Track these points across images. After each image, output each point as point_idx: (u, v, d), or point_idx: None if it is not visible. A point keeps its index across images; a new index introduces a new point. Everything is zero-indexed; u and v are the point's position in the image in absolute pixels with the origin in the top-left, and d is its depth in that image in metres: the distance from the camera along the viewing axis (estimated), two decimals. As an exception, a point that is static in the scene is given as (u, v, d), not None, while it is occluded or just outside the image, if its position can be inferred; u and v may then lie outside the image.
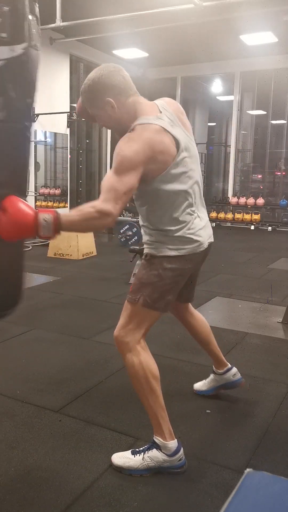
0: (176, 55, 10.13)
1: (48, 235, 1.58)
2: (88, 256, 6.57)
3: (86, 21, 6.80)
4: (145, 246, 1.95)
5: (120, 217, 10.26)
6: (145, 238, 1.96)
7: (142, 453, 1.90)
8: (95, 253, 6.71)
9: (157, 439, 1.90)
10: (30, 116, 1.62)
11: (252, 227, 10.50)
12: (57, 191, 9.43)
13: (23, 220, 1.52)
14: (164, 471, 1.89)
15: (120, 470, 1.90)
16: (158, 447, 1.89)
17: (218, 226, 10.83)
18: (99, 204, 1.65)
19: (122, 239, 7.37)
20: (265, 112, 11.24)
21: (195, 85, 12.34)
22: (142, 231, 2.01)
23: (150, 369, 1.88)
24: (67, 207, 9.60)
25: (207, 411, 2.42)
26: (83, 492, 1.79)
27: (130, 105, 1.80)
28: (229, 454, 2.05)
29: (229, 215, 10.82)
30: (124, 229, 7.39)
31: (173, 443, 1.89)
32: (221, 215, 10.91)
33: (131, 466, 1.88)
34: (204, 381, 2.60)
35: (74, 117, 9.00)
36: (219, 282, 5.22)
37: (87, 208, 1.66)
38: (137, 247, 5.29)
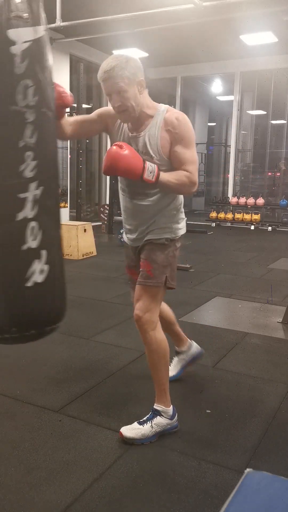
0: (176, 55, 10.13)
1: (149, 178, 1.92)
2: (88, 256, 6.57)
3: (86, 21, 6.80)
4: (157, 232, 2.13)
5: (120, 217, 10.27)
6: (156, 224, 2.13)
7: (149, 422, 2.13)
8: (95, 253, 6.71)
9: (159, 407, 2.17)
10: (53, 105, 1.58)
11: (252, 227, 10.50)
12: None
13: (138, 159, 1.91)
14: (166, 432, 2.16)
15: (132, 442, 2.08)
16: (159, 413, 2.15)
17: (218, 226, 10.83)
18: (192, 175, 1.99)
19: (122, 239, 7.36)
20: (265, 112, 11.24)
21: (195, 85, 12.35)
22: (150, 219, 2.13)
23: (167, 345, 2.17)
24: (67, 207, 9.61)
25: (207, 411, 2.42)
26: (83, 492, 1.79)
27: (146, 93, 2.03)
28: (229, 454, 2.05)
29: (229, 215, 10.82)
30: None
31: (171, 408, 2.20)
32: (221, 215, 10.91)
33: (144, 434, 2.10)
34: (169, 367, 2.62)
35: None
36: (219, 282, 5.22)
37: (183, 175, 1.98)
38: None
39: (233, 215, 10.76)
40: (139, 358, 3.05)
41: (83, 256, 6.47)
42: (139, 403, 2.48)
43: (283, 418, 2.37)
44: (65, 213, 9.47)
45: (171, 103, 12.14)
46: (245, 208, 10.73)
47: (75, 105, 9.14)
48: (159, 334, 2.14)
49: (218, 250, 7.56)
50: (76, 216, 8.68)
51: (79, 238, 6.40)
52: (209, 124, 14.87)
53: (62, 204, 9.42)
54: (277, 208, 10.82)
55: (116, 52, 9.54)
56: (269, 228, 10.33)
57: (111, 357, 3.07)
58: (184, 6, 6.12)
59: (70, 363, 2.98)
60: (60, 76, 8.97)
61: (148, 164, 1.93)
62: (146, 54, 9.64)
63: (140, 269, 2.15)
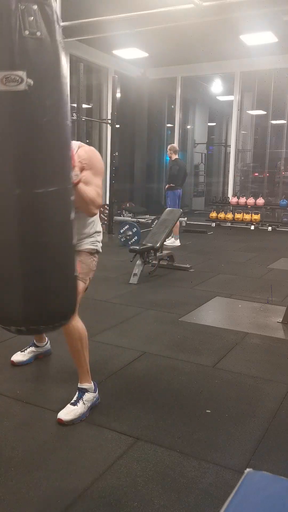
0: (176, 55, 10.13)
1: (74, 180, 1.98)
2: (88, 256, 6.56)
3: (86, 21, 6.80)
4: (85, 244, 2.47)
5: (120, 217, 10.28)
6: (86, 238, 2.46)
7: (80, 400, 2.34)
8: (95, 253, 6.70)
9: (85, 385, 2.40)
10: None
11: (252, 227, 10.51)
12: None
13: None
14: (94, 405, 2.39)
15: (73, 422, 2.24)
16: (86, 390, 2.39)
17: (218, 226, 10.83)
18: (99, 197, 2.24)
19: (122, 239, 7.37)
20: (265, 112, 11.24)
21: (195, 85, 12.35)
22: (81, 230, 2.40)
23: (85, 330, 2.43)
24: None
25: (207, 411, 2.42)
26: (83, 492, 1.79)
27: None
28: (229, 454, 2.05)
29: (229, 215, 10.82)
30: (124, 229, 7.39)
31: (92, 383, 2.44)
32: (221, 215, 10.91)
33: (81, 412, 2.29)
34: (22, 352, 2.95)
35: (74, 117, 9.00)
36: (219, 282, 5.22)
37: (96, 192, 2.22)
38: (137, 247, 5.30)
39: (233, 215, 10.76)
40: (139, 358, 3.05)
41: (83, 256, 6.46)
42: (139, 403, 2.48)
43: (283, 418, 2.37)
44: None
45: (171, 103, 12.16)
46: (245, 208, 10.73)
47: (75, 105, 9.14)
48: (79, 323, 2.40)
49: (218, 250, 7.56)
50: (76, 216, 8.66)
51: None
52: (209, 124, 14.87)
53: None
54: (277, 208, 10.82)
55: (116, 52, 9.57)
56: (269, 228, 10.33)
57: (111, 357, 3.07)
58: (184, 6, 6.12)
59: (70, 363, 2.97)
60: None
61: (76, 168, 2.09)
62: (146, 54, 9.64)
63: None
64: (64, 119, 1.58)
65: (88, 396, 2.37)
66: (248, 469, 1.05)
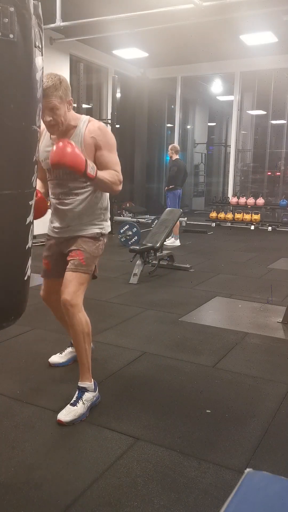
0: (176, 55, 10.13)
1: (91, 173, 2.13)
2: (88, 256, 6.56)
3: (86, 21, 6.80)
4: (87, 227, 2.41)
5: (120, 217, 10.28)
6: (85, 221, 2.40)
7: (80, 400, 2.31)
8: (95, 253, 6.70)
9: (84, 384, 2.37)
10: None
11: (252, 227, 10.51)
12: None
13: (81, 156, 2.09)
14: (94, 405, 2.37)
15: (73, 423, 2.23)
16: (86, 390, 2.36)
17: (218, 226, 10.83)
18: (119, 174, 2.29)
19: (122, 239, 7.37)
20: (265, 112, 11.24)
21: (195, 85, 12.35)
22: (79, 216, 2.39)
23: (90, 325, 2.40)
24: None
25: (207, 411, 2.42)
26: (83, 492, 1.79)
27: (72, 109, 2.32)
28: (229, 454, 2.05)
29: (229, 215, 10.82)
30: (124, 229, 7.39)
31: (93, 382, 2.41)
32: (221, 215, 10.91)
33: (81, 413, 2.27)
34: (59, 354, 2.92)
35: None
36: (219, 282, 5.22)
37: (114, 173, 2.27)
38: (137, 247, 5.30)
39: (233, 215, 10.76)
40: (139, 358, 3.05)
41: (83, 256, 6.46)
42: (139, 403, 2.48)
43: (283, 418, 2.37)
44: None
45: (171, 103, 12.16)
46: (245, 208, 10.73)
47: (75, 105, 9.14)
48: (84, 316, 2.37)
49: (218, 250, 7.56)
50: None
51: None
52: (209, 124, 14.87)
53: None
54: (277, 208, 10.82)
55: (116, 52, 9.57)
56: (269, 228, 10.33)
57: (111, 357, 3.07)
58: (184, 6, 6.12)
59: (70, 363, 2.97)
60: (60, 76, 8.96)
61: (88, 161, 2.14)
62: (146, 54, 9.63)
63: (71, 259, 2.37)
64: (30, 124, 1.56)
65: (87, 396, 2.35)
66: (248, 469, 1.05)
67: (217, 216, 10.96)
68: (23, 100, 1.52)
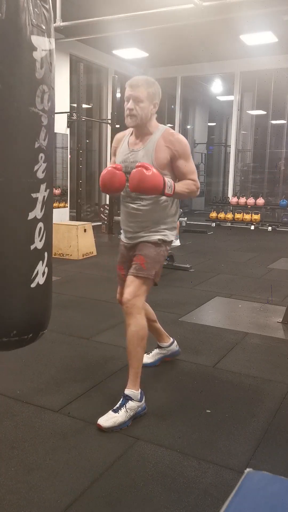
0: (176, 55, 10.13)
1: (168, 193, 2.23)
2: (88, 256, 6.57)
3: (86, 21, 6.80)
4: (151, 234, 2.43)
5: (119, 217, 10.27)
6: (152, 227, 2.42)
7: (123, 408, 2.26)
8: (95, 253, 6.71)
9: (130, 391, 2.31)
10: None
11: (252, 227, 10.50)
12: (57, 191, 9.44)
13: (159, 178, 2.19)
14: (138, 416, 2.30)
15: (112, 430, 2.19)
16: (130, 398, 2.29)
17: (218, 226, 10.83)
18: (196, 182, 2.38)
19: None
20: (265, 112, 11.24)
21: (195, 85, 12.35)
22: (147, 221, 2.42)
23: (146, 331, 2.36)
24: (67, 207, 9.61)
25: (207, 411, 2.42)
26: (83, 492, 1.79)
27: (155, 116, 2.42)
28: (229, 454, 2.05)
29: (229, 215, 10.82)
30: (124, 229, 7.38)
31: (139, 391, 2.34)
32: (221, 215, 10.91)
33: (121, 421, 2.22)
34: (147, 355, 2.87)
35: (74, 117, 9.00)
36: (219, 282, 5.22)
37: (190, 183, 2.36)
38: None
39: (233, 215, 10.76)
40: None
41: (83, 256, 6.47)
42: (139, 403, 2.48)
43: (283, 418, 2.37)
44: (65, 213, 9.47)
45: (171, 103, 12.15)
46: (245, 208, 10.73)
47: (75, 105, 9.14)
48: (142, 320, 2.34)
49: (218, 250, 7.56)
50: (76, 216, 8.68)
51: (79, 238, 6.40)
52: (209, 124, 14.87)
53: (62, 204, 9.42)
54: (277, 208, 10.82)
55: (116, 52, 9.57)
56: (269, 228, 10.33)
57: (111, 357, 3.07)
58: (184, 6, 6.12)
59: (70, 363, 2.98)
60: (60, 76, 8.97)
61: (167, 180, 2.23)
62: (146, 54, 9.63)
63: (133, 263, 2.41)
64: (25, 106, 1.44)
65: (131, 405, 2.28)
66: (248, 469, 1.05)
67: (217, 216, 10.96)
68: (15, 78, 1.41)
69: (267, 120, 11.10)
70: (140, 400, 2.32)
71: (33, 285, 1.49)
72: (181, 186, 2.32)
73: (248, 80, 10.95)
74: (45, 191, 1.54)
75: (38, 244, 1.50)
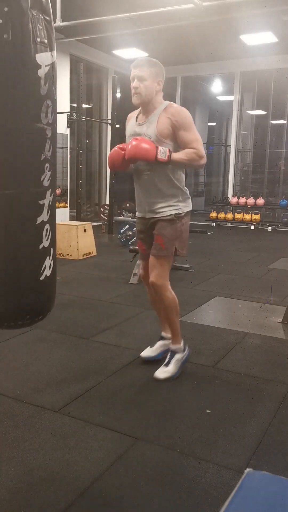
0: (176, 55, 10.12)
1: (162, 157, 2.41)
2: (88, 256, 6.57)
3: (86, 21, 6.79)
4: (164, 210, 2.60)
5: (120, 217, 10.28)
6: (165, 201, 2.60)
7: (173, 360, 2.74)
8: (95, 253, 6.71)
9: (175, 346, 2.79)
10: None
11: (252, 227, 10.50)
12: (57, 191, 9.44)
13: (152, 146, 2.42)
14: (186, 362, 2.82)
15: (167, 379, 2.66)
16: (176, 351, 2.77)
17: (218, 226, 10.83)
18: (198, 150, 2.50)
19: (122, 239, 7.37)
20: (265, 112, 11.24)
21: (195, 85, 12.34)
22: (155, 198, 2.61)
23: (176, 299, 2.76)
24: (67, 207, 9.61)
25: (207, 411, 2.42)
26: (83, 492, 1.79)
27: (161, 94, 2.59)
28: (229, 454, 2.05)
29: (229, 215, 10.82)
30: (124, 229, 7.39)
31: (182, 343, 2.82)
32: (221, 215, 10.91)
33: (173, 372, 2.71)
34: (150, 348, 3.00)
35: (74, 117, 9.00)
36: (219, 282, 5.22)
37: (191, 152, 2.49)
38: (137, 247, 5.30)
39: (233, 215, 10.76)
40: (139, 358, 3.05)
41: (83, 256, 6.47)
42: (139, 403, 2.48)
43: (283, 418, 2.37)
44: (65, 213, 9.47)
45: (171, 103, 12.13)
46: (245, 208, 10.73)
47: (75, 105, 9.14)
48: (171, 294, 2.71)
49: (218, 250, 7.56)
50: (76, 216, 8.68)
51: (79, 238, 6.40)
52: (209, 124, 14.86)
53: (62, 204, 9.42)
54: (277, 208, 10.82)
55: (116, 52, 9.57)
56: (269, 228, 10.33)
57: (111, 357, 3.07)
58: (184, 6, 6.11)
59: (70, 363, 2.98)
60: (60, 76, 8.97)
61: (160, 148, 2.43)
62: (146, 54, 9.63)
63: (154, 243, 2.64)
64: (31, 122, 1.54)
65: (177, 357, 2.76)
66: (248, 469, 1.05)
67: (217, 216, 10.96)
68: (22, 98, 1.50)
69: (267, 120, 11.10)
70: (184, 351, 2.81)
71: (42, 278, 1.71)
72: (180, 154, 2.48)
73: (248, 80, 10.95)
74: (50, 196, 1.69)
75: (45, 243, 1.69)
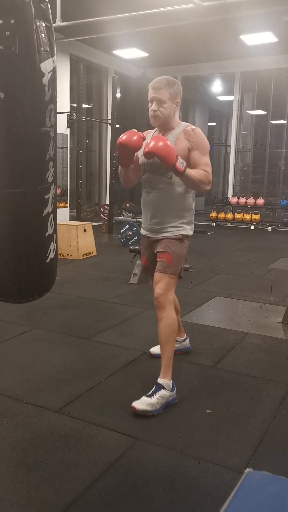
0: (176, 55, 10.12)
1: (179, 167, 2.30)
2: (88, 256, 6.57)
3: (86, 21, 6.79)
4: (172, 230, 2.54)
5: (120, 217, 10.28)
6: (173, 221, 2.54)
7: (155, 394, 2.39)
8: (95, 253, 6.71)
9: (163, 381, 2.45)
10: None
11: (252, 227, 10.50)
12: (57, 191, 9.43)
13: (174, 151, 2.30)
14: (169, 404, 2.42)
15: (145, 413, 2.32)
16: (163, 387, 2.42)
17: (218, 226, 10.83)
18: (208, 174, 2.44)
19: (122, 239, 7.37)
20: (265, 112, 11.24)
21: (195, 85, 12.34)
22: (164, 217, 2.54)
23: (177, 323, 2.57)
24: (67, 207, 9.61)
25: (207, 411, 2.42)
26: (83, 492, 1.79)
27: (177, 113, 2.58)
28: (229, 454, 2.05)
29: (229, 215, 10.82)
30: (124, 229, 7.39)
31: (171, 382, 2.48)
32: (221, 215, 10.91)
33: (156, 408, 2.35)
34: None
35: (74, 117, 9.00)
36: (219, 282, 5.22)
37: (202, 173, 2.41)
38: (137, 247, 5.30)
39: (233, 215, 10.76)
40: (139, 358, 3.05)
41: (83, 256, 6.47)
42: (139, 403, 2.48)
43: (283, 418, 2.37)
44: (65, 213, 9.47)
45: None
46: (245, 208, 10.73)
47: (75, 105, 9.14)
48: (173, 313, 2.53)
49: (218, 250, 7.56)
50: (76, 216, 8.68)
51: (79, 238, 6.40)
52: (209, 124, 14.85)
53: (62, 204, 9.42)
54: (277, 208, 10.82)
55: (116, 52, 9.58)
56: (269, 228, 10.33)
57: (111, 357, 3.07)
58: (184, 6, 6.11)
59: (70, 363, 2.98)
60: (60, 76, 8.95)
61: (179, 157, 2.33)
62: (146, 54, 9.63)
63: (159, 260, 2.54)
64: (38, 127, 1.65)
65: (163, 393, 2.41)
66: (248, 469, 1.05)
67: (217, 216, 10.96)
68: (29, 106, 1.60)
69: (267, 120, 11.10)
70: (172, 390, 2.46)
71: (47, 261, 1.93)
72: (193, 171, 2.40)
73: (248, 80, 10.95)
74: (53, 189, 1.86)
75: (50, 230, 1.88)
